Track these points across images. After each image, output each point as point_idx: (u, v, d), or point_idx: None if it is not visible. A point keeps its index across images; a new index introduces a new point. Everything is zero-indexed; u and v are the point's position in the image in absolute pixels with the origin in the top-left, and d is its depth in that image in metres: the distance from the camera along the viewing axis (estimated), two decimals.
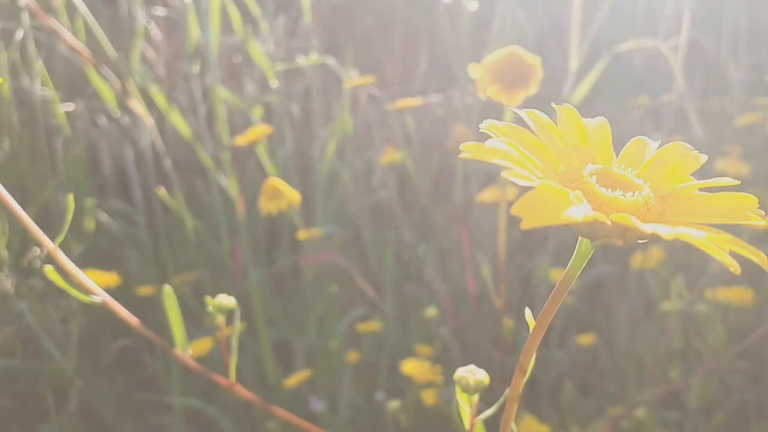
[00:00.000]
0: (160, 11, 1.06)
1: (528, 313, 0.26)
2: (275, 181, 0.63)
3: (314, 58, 0.77)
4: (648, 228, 0.19)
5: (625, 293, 0.64)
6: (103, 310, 0.91)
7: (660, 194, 0.23)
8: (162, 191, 0.82)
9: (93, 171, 1.06)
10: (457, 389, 0.30)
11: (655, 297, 0.59)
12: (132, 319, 0.45)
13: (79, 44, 0.83)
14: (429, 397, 0.54)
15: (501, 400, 0.31)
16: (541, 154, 0.23)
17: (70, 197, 0.38)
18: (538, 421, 0.56)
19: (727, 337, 0.51)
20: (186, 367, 0.77)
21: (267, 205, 0.62)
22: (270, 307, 0.80)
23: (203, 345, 0.70)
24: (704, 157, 0.25)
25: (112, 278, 0.70)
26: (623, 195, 0.21)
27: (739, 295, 0.52)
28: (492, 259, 0.66)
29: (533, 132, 0.24)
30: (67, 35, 0.92)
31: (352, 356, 0.67)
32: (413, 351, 0.65)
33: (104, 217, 0.93)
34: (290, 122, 1.00)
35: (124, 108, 1.01)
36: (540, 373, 0.64)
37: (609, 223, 0.19)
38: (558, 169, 0.23)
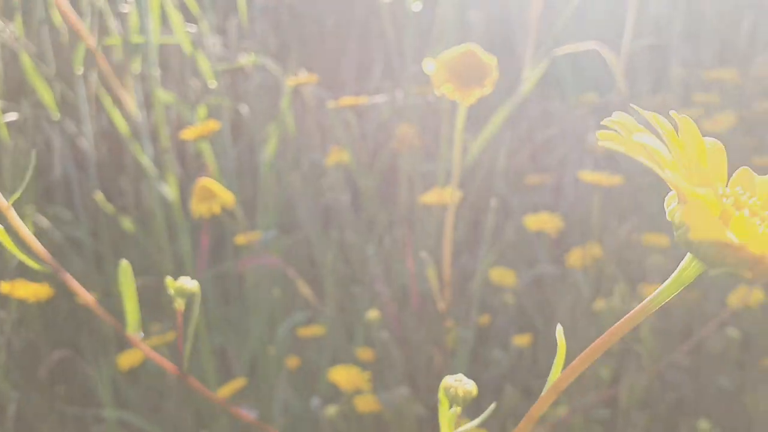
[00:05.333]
0: (126, 8, 1.03)
1: (559, 331, 0.25)
2: (207, 182, 0.62)
3: (251, 57, 0.76)
4: None
5: (566, 293, 0.63)
6: (40, 320, 0.88)
7: None
8: (99, 196, 0.80)
9: (40, 176, 1.03)
10: (442, 398, 0.29)
11: (591, 296, 0.59)
12: (84, 293, 0.42)
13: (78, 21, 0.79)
14: (362, 404, 0.52)
15: (484, 414, 0.30)
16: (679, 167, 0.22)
17: None
18: (477, 425, 0.55)
19: (662, 335, 0.51)
20: (123, 377, 0.74)
21: (199, 207, 0.60)
22: (213, 313, 0.78)
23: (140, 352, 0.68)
24: None
25: (44, 290, 0.67)
26: (761, 224, 0.20)
27: None
28: (436, 261, 0.66)
29: (661, 138, 0.22)
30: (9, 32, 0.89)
31: (293, 362, 0.66)
32: (355, 355, 0.64)
33: (45, 223, 0.90)
34: (238, 123, 0.98)
35: (69, 111, 0.98)
36: (481, 374, 0.63)
37: (755, 252, 0.19)
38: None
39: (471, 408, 0.64)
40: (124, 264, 0.37)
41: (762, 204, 0.22)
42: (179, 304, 0.36)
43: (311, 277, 0.82)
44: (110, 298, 0.85)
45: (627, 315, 0.23)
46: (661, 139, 0.22)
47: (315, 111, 0.92)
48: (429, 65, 0.53)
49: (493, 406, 0.27)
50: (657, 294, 0.22)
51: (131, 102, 0.84)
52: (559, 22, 0.73)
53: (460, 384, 0.28)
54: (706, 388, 0.61)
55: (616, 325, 0.23)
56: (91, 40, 0.80)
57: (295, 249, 0.85)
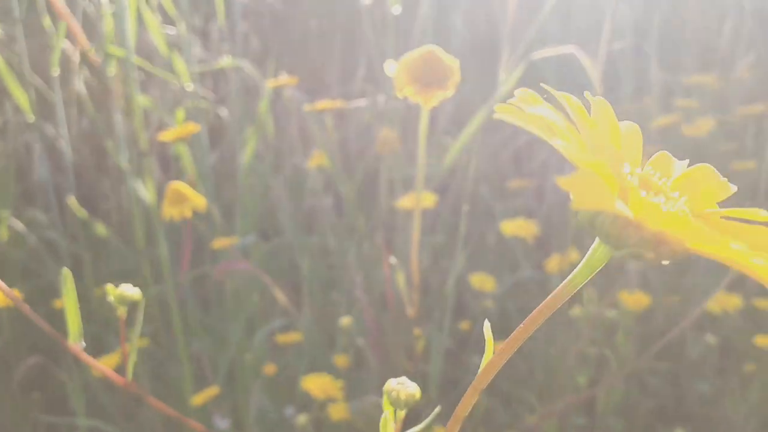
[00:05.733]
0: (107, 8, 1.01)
1: (487, 326, 0.24)
2: (179, 185, 0.61)
3: (230, 60, 0.75)
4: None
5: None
6: (12, 327, 0.86)
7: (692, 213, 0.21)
8: (72, 201, 0.78)
9: (20, 180, 1.01)
10: (385, 402, 0.28)
11: (569, 301, 0.58)
12: (23, 305, 0.41)
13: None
14: (335, 412, 0.52)
15: (428, 419, 0.29)
16: (576, 140, 0.20)
17: None
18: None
19: (638, 341, 0.51)
20: (96, 385, 0.73)
21: (170, 211, 0.59)
22: (191, 318, 0.77)
23: (114, 358, 0.67)
24: (734, 188, 0.23)
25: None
26: (664, 203, 0.19)
27: (637, 301, 0.52)
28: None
29: (568, 116, 0.21)
30: None
31: (270, 369, 0.65)
32: (332, 362, 0.63)
33: (20, 226, 0.89)
34: (219, 126, 0.97)
35: (51, 114, 0.97)
36: (459, 379, 0.63)
37: (654, 230, 0.18)
38: None
39: (446, 409, 0.63)
40: (65, 271, 0.36)
41: (673, 186, 0.22)
42: (121, 312, 0.35)
43: (292, 281, 0.81)
44: (87, 303, 0.84)
45: (541, 304, 0.22)
46: (571, 119, 0.21)
47: (295, 114, 0.92)
48: (390, 67, 0.52)
49: (437, 409, 0.27)
50: (569, 279, 0.21)
51: (115, 103, 0.83)
52: (535, 26, 0.73)
53: (402, 387, 0.27)
54: (686, 394, 0.60)
55: (529, 316, 0.22)
56: (83, 41, 0.79)
57: (277, 253, 0.84)
